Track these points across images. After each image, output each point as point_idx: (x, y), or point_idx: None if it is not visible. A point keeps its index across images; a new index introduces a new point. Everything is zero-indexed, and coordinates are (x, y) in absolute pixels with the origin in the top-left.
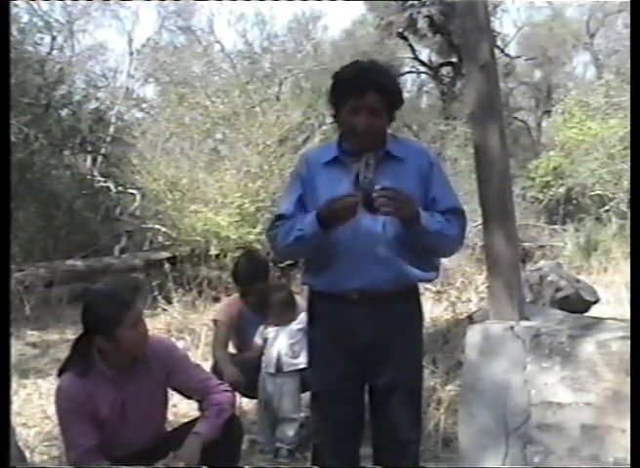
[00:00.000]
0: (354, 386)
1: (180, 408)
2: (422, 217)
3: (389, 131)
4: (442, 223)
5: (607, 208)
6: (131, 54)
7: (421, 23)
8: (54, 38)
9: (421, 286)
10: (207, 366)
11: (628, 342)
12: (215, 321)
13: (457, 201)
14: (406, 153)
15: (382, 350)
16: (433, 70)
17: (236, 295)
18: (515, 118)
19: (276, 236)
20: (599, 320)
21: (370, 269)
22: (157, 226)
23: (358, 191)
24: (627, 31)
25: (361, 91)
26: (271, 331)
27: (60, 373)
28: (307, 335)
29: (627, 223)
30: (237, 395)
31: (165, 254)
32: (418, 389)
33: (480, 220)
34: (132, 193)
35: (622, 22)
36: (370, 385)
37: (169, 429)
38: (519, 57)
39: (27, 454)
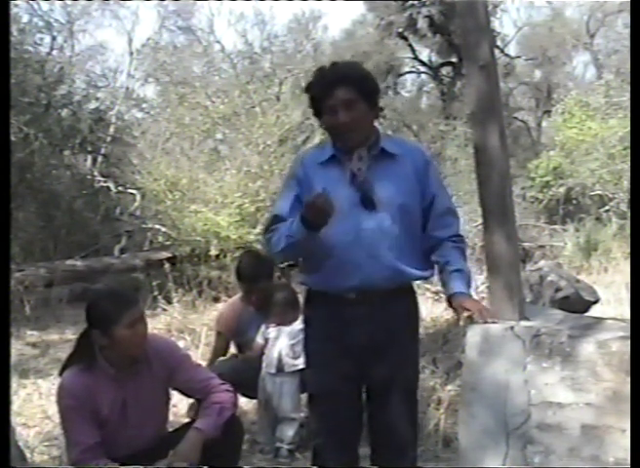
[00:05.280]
0: (352, 385)
1: (181, 407)
2: (469, 290)
3: (388, 131)
4: (465, 267)
5: (607, 208)
6: (131, 54)
7: (421, 23)
8: (54, 38)
9: (422, 285)
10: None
11: (628, 342)
12: (216, 332)
13: (451, 201)
14: (401, 151)
15: (380, 349)
16: (433, 70)
17: (234, 300)
18: (515, 118)
19: (270, 241)
20: (599, 320)
21: (367, 267)
22: (157, 226)
23: (355, 187)
24: (627, 31)
25: (329, 90)
26: (272, 330)
27: (63, 371)
28: (304, 334)
29: (627, 223)
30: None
31: (165, 254)
32: (414, 387)
33: (480, 220)
34: (132, 193)
35: (622, 22)
36: (367, 384)
37: (170, 430)
38: (519, 57)
39: (27, 454)
